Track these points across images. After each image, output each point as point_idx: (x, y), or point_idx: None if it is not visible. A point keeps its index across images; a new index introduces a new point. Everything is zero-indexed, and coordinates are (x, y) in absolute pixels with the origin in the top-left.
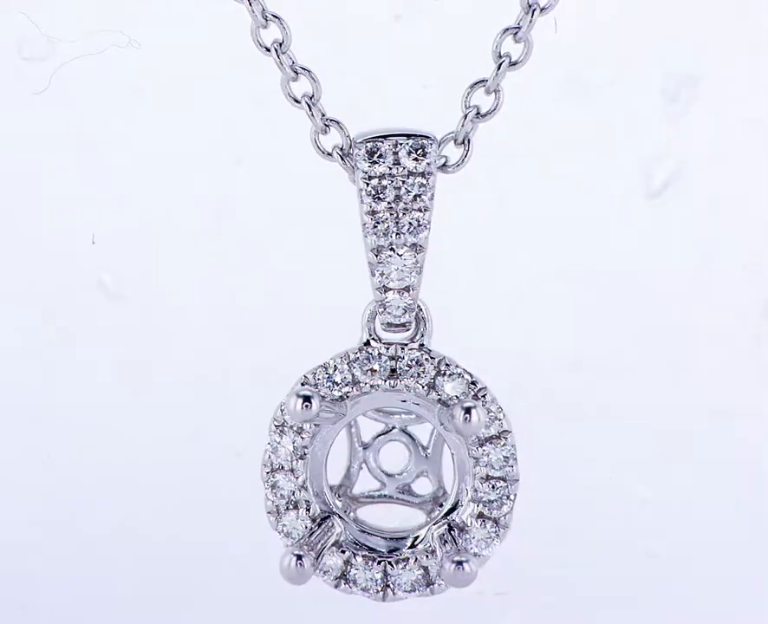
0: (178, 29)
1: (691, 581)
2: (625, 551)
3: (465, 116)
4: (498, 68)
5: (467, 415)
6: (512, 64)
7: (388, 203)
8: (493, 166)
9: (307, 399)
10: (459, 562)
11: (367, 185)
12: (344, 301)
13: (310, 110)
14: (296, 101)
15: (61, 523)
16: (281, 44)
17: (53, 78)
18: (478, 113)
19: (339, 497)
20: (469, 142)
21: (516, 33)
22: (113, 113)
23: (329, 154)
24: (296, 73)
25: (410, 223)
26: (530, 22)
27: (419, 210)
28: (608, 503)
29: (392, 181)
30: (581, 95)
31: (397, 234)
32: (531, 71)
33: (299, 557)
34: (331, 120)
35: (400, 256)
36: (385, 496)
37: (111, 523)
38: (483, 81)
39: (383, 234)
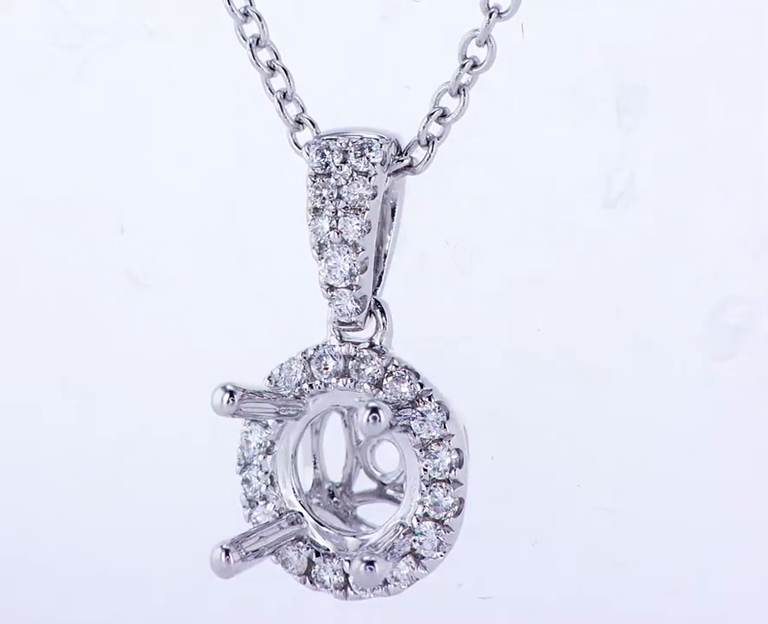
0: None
1: (659, 588)
2: (593, 559)
3: (429, 117)
4: (460, 71)
5: (374, 415)
6: (474, 67)
7: (331, 201)
8: (472, 170)
9: (230, 393)
10: (370, 563)
11: (313, 181)
12: None
13: (281, 107)
14: (273, 96)
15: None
16: (258, 40)
17: (84, 67)
18: (443, 115)
19: (332, 494)
20: (433, 144)
21: (475, 37)
22: (140, 102)
23: (300, 149)
24: (273, 69)
25: (350, 222)
26: (487, 25)
27: (360, 209)
28: (584, 509)
29: (336, 179)
30: (549, 103)
31: (337, 233)
32: (499, 77)
33: (227, 552)
34: (304, 118)
35: (341, 255)
36: (382, 495)
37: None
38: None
39: (324, 232)
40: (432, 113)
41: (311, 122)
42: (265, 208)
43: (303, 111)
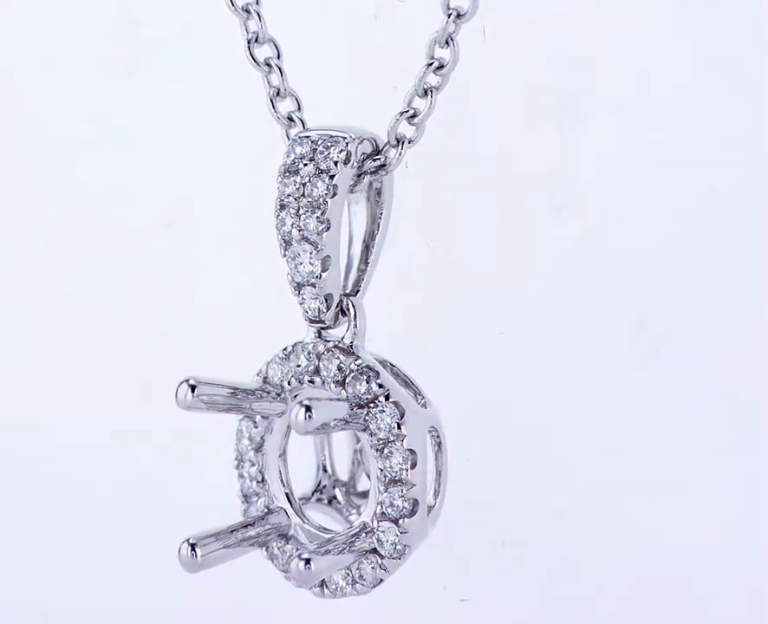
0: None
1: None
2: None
3: (398, 117)
4: (426, 70)
5: (308, 413)
6: (439, 68)
7: (295, 198)
8: (450, 171)
9: (192, 388)
10: (307, 561)
11: (282, 178)
12: None
13: (273, 105)
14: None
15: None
16: (256, 38)
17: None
18: (413, 115)
19: (335, 496)
20: (402, 143)
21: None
22: (187, 97)
23: None
24: (269, 66)
25: (310, 220)
26: (447, 25)
27: (319, 207)
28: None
29: (300, 177)
30: (507, 106)
31: (298, 230)
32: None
33: (193, 547)
34: (294, 114)
35: (304, 253)
36: None
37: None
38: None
39: (287, 230)
40: (402, 113)
41: (301, 120)
42: (264, 206)
43: (299, 108)
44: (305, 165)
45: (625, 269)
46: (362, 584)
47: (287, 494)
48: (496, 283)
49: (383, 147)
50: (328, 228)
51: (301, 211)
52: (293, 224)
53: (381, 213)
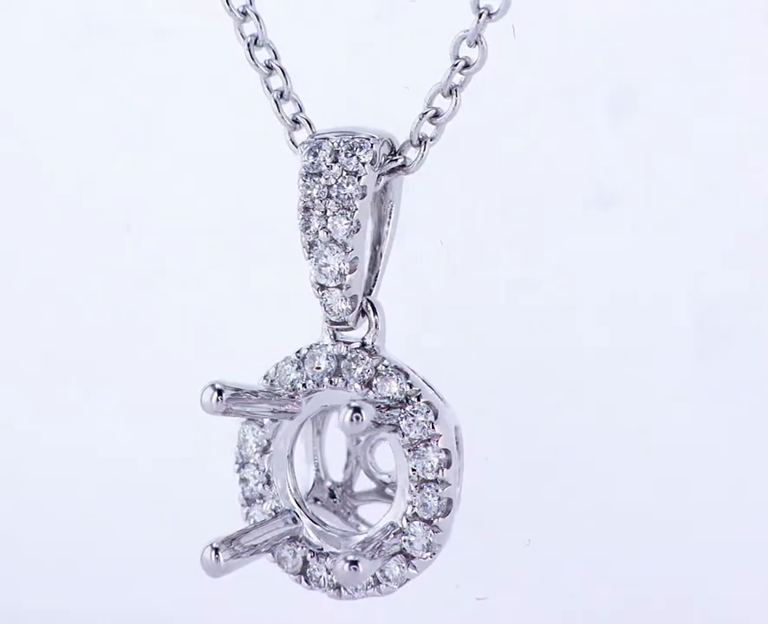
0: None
1: (656, 586)
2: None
3: (422, 117)
4: (452, 71)
5: (357, 415)
6: (466, 67)
7: (320, 200)
8: (465, 170)
9: (219, 392)
10: (354, 562)
11: (304, 180)
12: None
13: (278, 107)
14: (270, 95)
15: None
16: (256, 39)
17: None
18: (436, 115)
19: (334, 496)
20: (425, 143)
21: (465, 38)
22: (148, 100)
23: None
24: (271, 68)
25: (339, 222)
26: (478, 25)
27: (349, 209)
28: (578, 509)
29: (326, 178)
30: (541, 103)
31: (326, 232)
32: (492, 77)
33: (216, 550)
34: (300, 117)
35: (331, 254)
36: (382, 495)
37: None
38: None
39: (314, 231)
40: (425, 114)
41: (308, 122)
42: (263, 207)
43: (301, 110)
44: (328, 166)
45: (687, 267)
46: (387, 584)
47: (295, 496)
48: (540, 280)
49: (401, 147)
50: (358, 229)
51: (329, 213)
52: (320, 225)
53: (390, 213)
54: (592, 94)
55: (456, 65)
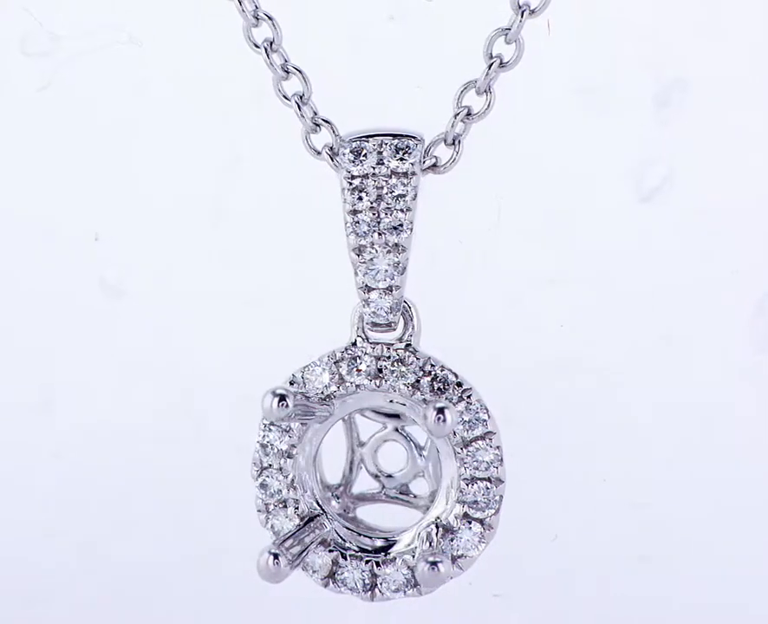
0: (178, 27)
1: (684, 582)
2: (618, 553)
3: (456, 116)
4: (489, 69)
5: (440, 416)
6: (503, 65)
7: (370, 202)
8: (488, 168)
9: (282, 397)
10: (434, 563)
11: (350, 183)
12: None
13: (300, 109)
14: (287, 100)
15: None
16: (272, 43)
17: (55, 75)
18: (468, 114)
19: (337, 496)
20: (459, 143)
21: (506, 34)
22: (115, 110)
23: (319, 153)
24: (287, 72)
25: (391, 223)
26: (520, 23)
27: (401, 210)
28: (603, 505)
29: (375, 181)
30: (575, 99)
31: (378, 234)
32: (525, 74)
33: (276, 556)
34: (322, 120)
35: (382, 256)
36: (384, 496)
37: (107, 523)
38: (475, 81)
39: (364, 233)
40: (459, 113)
41: (330, 124)
42: (263, 211)
43: (315, 114)
44: (376, 169)
45: (731, 256)
46: (427, 585)
47: (320, 498)
48: (570, 277)
49: (429, 147)
50: (411, 230)
51: (381, 215)
52: (372, 228)
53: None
54: (633, 88)
55: (492, 63)
